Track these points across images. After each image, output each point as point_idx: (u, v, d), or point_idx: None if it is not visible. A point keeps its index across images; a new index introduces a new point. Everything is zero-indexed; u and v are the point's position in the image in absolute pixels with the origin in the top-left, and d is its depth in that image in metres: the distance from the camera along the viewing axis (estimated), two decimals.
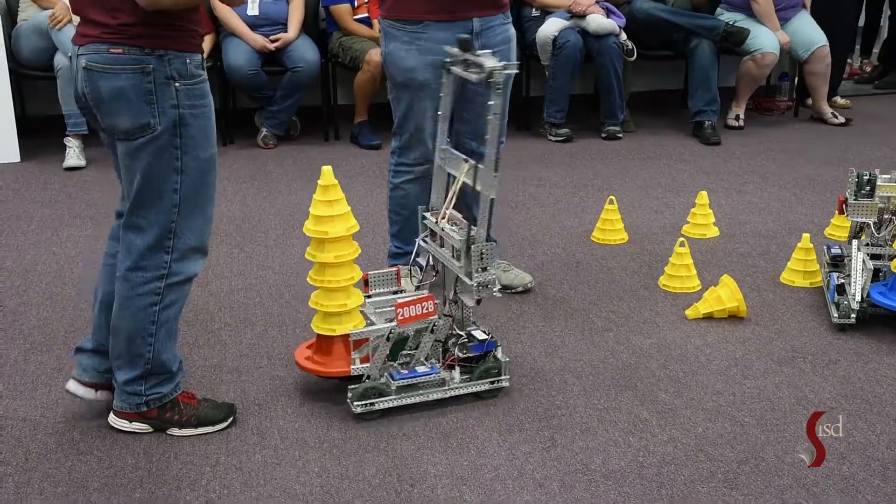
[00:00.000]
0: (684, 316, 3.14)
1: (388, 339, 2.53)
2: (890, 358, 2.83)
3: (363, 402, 2.50)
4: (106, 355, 2.42)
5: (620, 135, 5.62)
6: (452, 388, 2.61)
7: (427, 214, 2.72)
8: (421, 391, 2.58)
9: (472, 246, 2.47)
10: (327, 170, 2.48)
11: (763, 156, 5.22)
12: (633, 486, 2.22)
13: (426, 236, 2.73)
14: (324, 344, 2.61)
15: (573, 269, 3.58)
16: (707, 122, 5.54)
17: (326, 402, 2.61)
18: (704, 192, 3.98)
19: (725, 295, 3.11)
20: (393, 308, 2.55)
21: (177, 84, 2.18)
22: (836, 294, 3.06)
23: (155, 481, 2.26)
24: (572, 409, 2.57)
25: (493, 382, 2.65)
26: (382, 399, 2.53)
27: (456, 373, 2.62)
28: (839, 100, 6.37)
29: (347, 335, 2.56)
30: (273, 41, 5.22)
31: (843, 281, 3.09)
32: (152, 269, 2.30)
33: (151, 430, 2.44)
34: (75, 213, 4.30)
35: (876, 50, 7.61)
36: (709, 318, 3.13)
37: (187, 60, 2.19)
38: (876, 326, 2.99)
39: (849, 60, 7.36)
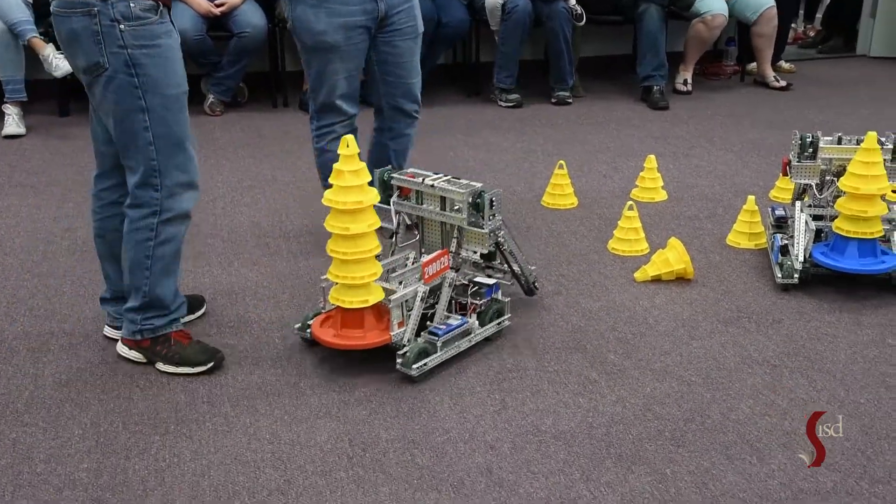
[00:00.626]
0: (633, 278, 3.18)
1: (421, 299, 2.59)
2: (830, 316, 2.90)
3: (419, 364, 2.52)
4: (123, 300, 2.59)
5: (570, 100, 5.64)
6: (476, 336, 2.70)
7: (395, 175, 2.79)
8: (455, 343, 2.63)
9: (483, 194, 2.61)
10: (349, 138, 2.44)
11: (710, 120, 5.28)
12: (582, 446, 2.25)
13: (397, 196, 2.80)
14: (352, 317, 2.56)
15: (523, 234, 3.59)
16: (655, 87, 5.58)
17: (277, 370, 2.60)
18: (653, 157, 4.01)
19: (673, 257, 3.15)
20: (387, 272, 2.71)
21: (121, 26, 2.29)
22: (779, 255, 3.11)
23: (103, 451, 2.23)
24: (523, 372, 2.59)
25: (499, 324, 2.77)
26: (432, 357, 2.56)
27: (474, 320, 2.69)
28: (784, 64, 6.46)
29: (372, 305, 2.54)
30: (218, 6, 5.11)
31: (786, 242, 3.15)
32: (146, 206, 2.45)
33: (144, 360, 2.59)
34: (15, 181, 4.19)
35: (819, 15, 7.72)
36: (657, 280, 3.17)
37: (131, 4, 2.29)
38: (818, 286, 3.05)
39: (793, 25, 7.45)
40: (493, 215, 2.65)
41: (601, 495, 2.07)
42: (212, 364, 2.57)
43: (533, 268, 2.99)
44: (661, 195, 3.98)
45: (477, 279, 2.76)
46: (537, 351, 2.71)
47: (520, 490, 2.09)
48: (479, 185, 2.66)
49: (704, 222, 3.72)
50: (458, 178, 2.72)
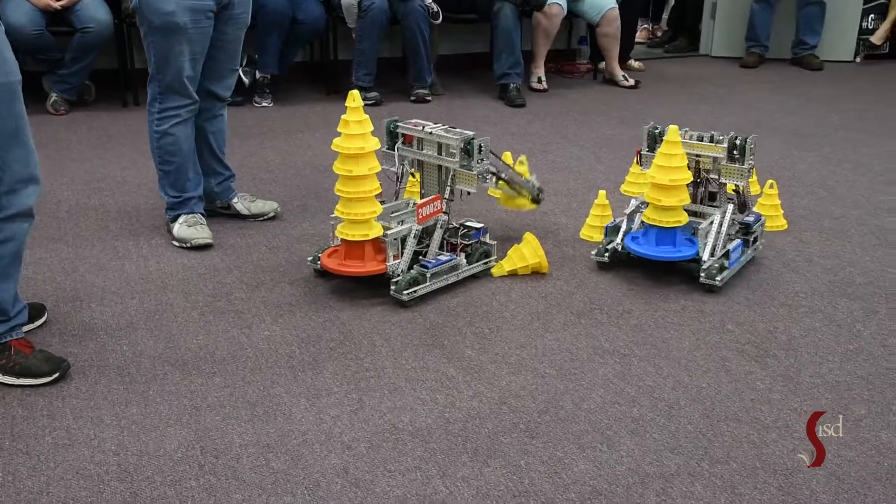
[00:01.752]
0: (490, 274, 3.22)
1: (414, 237, 2.99)
2: (676, 305, 3.02)
3: (409, 291, 2.91)
4: None
5: (429, 98, 5.67)
6: (463, 272, 3.09)
7: (400, 123, 3.18)
8: (443, 276, 3.03)
9: (473, 141, 3.00)
10: (355, 93, 2.83)
11: (564, 117, 5.41)
12: (439, 442, 2.26)
13: (401, 143, 3.19)
14: (354, 249, 2.96)
15: None
16: (512, 85, 5.68)
17: (124, 378, 2.50)
18: (509, 153, 4.06)
19: (528, 252, 3.21)
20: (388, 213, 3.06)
21: None
22: (606, 234, 3.24)
23: None
24: (380, 371, 2.58)
25: (486, 263, 3.18)
26: (421, 286, 2.95)
27: (463, 258, 3.08)
28: (634, 63, 6.70)
29: (373, 240, 2.93)
30: None
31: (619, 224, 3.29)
32: None
33: None
34: None
35: (665, 16, 8.06)
36: (513, 275, 3.22)
37: None
38: (667, 277, 3.17)
39: (645, 26, 7.76)
40: (482, 159, 3.04)
41: (457, 490, 2.09)
42: (57, 374, 2.44)
43: (533, 178, 3.45)
44: None
45: (467, 223, 3.19)
46: (395, 349, 2.70)
47: (376, 489, 2.08)
48: (471, 133, 3.05)
49: (559, 217, 3.80)
50: (455, 128, 3.10)
